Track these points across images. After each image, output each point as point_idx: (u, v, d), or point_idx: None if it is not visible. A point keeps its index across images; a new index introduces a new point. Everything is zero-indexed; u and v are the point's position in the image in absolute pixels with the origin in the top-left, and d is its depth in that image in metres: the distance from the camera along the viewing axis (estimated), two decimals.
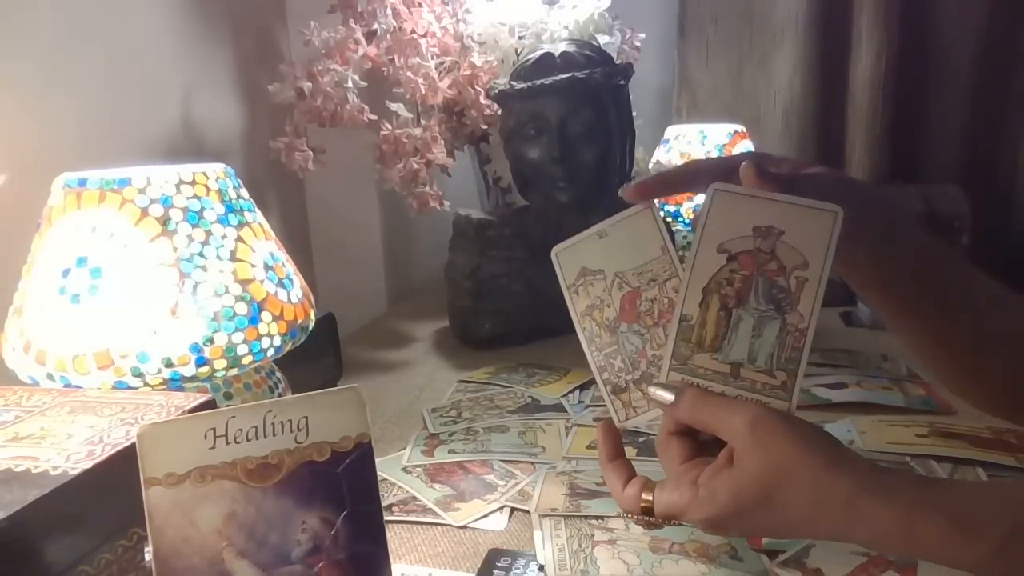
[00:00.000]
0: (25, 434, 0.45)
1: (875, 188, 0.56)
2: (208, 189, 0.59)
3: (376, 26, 1.02)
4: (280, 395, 0.66)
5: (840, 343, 1.00)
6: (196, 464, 0.40)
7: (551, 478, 0.63)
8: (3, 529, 0.35)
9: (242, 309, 0.58)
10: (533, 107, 0.96)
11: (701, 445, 0.48)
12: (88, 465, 0.40)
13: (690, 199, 1.26)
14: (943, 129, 1.50)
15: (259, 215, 0.65)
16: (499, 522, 0.58)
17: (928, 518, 0.39)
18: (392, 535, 0.56)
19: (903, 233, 0.51)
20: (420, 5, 1.03)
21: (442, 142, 1.03)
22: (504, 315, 1.02)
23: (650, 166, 1.38)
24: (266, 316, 0.59)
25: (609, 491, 0.59)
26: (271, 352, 0.60)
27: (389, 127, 1.01)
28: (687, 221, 1.28)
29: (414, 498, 0.62)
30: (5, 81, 0.73)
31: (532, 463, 0.67)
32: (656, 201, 0.52)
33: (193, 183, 0.59)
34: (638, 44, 1.27)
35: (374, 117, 1.01)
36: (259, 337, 0.59)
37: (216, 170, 0.61)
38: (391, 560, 0.44)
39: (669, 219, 1.31)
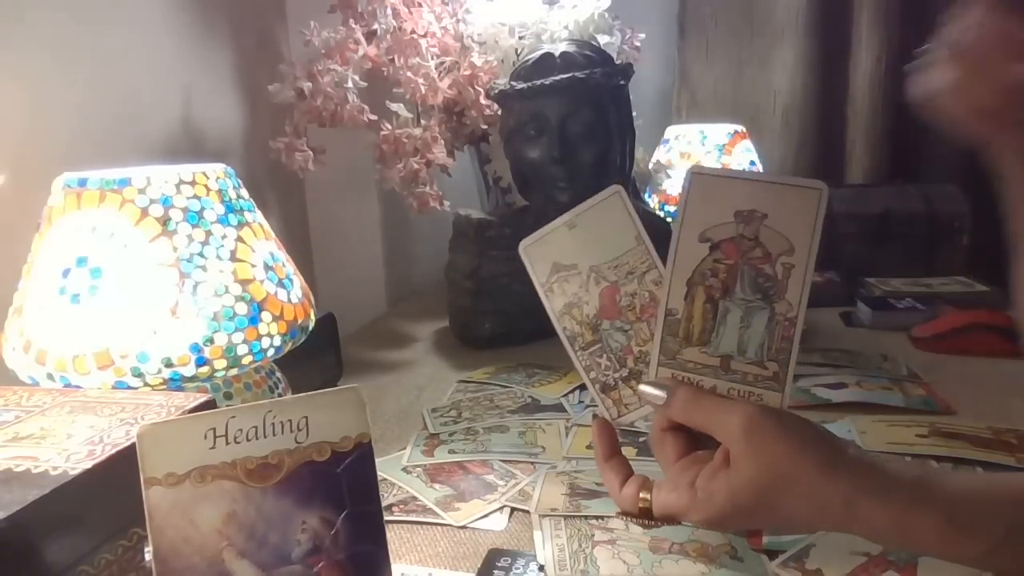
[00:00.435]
0: (25, 434, 0.45)
1: None
2: (208, 189, 0.59)
3: (376, 26, 1.01)
4: (280, 395, 0.66)
5: (840, 343, 1.00)
6: (196, 464, 0.40)
7: (551, 478, 0.63)
8: (3, 529, 0.35)
9: (242, 309, 0.58)
10: (533, 107, 0.96)
11: (696, 438, 0.47)
12: (88, 465, 0.40)
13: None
14: (943, 129, 1.50)
15: (259, 215, 0.65)
16: (499, 522, 0.58)
17: (924, 518, 0.39)
18: (392, 535, 0.56)
19: None
20: (420, 5, 1.03)
21: (442, 142, 1.03)
22: (504, 315, 1.02)
23: (650, 166, 1.38)
24: (266, 316, 0.59)
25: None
26: (271, 352, 0.60)
27: (389, 127, 1.01)
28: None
29: (414, 498, 0.62)
30: (5, 81, 0.73)
31: (532, 463, 0.67)
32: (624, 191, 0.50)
33: (193, 183, 0.59)
34: (638, 44, 1.27)
35: (374, 117, 1.01)
36: (259, 337, 0.59)
37: (216, 170, 0.61)
38: (391, 560, 0.44)
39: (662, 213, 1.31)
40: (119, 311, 0.55)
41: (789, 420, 0.43)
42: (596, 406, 0.54)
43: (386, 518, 0.50)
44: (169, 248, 0.56)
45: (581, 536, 0.54)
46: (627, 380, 0.50)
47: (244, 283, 0.59)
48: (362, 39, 0.99)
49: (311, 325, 0.66)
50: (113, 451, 0.42)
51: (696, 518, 0.44)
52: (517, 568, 0.52)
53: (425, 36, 1.02)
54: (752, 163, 1.37)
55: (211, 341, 0.56)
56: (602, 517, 0.57)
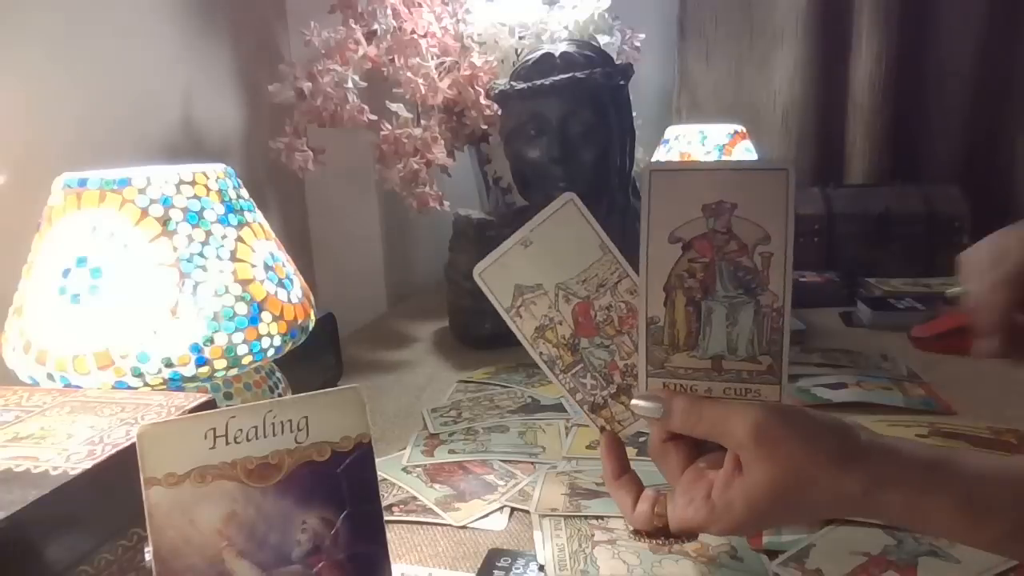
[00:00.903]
0: (25, 434, 0.45)
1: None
2: (208, 189, 0.59)
3: (376, 26, 1.01)
4: (280, 395, 0.66)
5: (840, 343, 1.00)
6: (196, 464, 0.40)
7: (551, 478, 0.63)
8: (3, 529, 0.35)
9: (242, 309, 0.58)
10: (533, 107, 0.96)
11: (698, 444, 0.46)
12: (88, 465, 0.40)
13: None
14: (943, 129, 1.50)
15: (259, 215, 0.65)
16: (499, 522, 0.58)
17: (939, 501, 0.39)
18: (392, 535, 0.56)
19: None
20: (420, 5, 1.03)
21: (442, 142, 1.03)
22: None
23: (641, 169, 1.37)
24: (266, 316, 0.59)
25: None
26: (271, 352, 0.60)
27: (389, 127, 1.01)
28: None
29: (414, 498, 0.61)
30: (5, 81, 0.73)
31: (532, 463, 0.67)
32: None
33: (193, 183, 0.59)
34: (638, 44, 1.27)
35: (374, 117, 1.01)
36: (259, 337, 0.59)
37: (216, 170, 0.61)
38: (391, 560, 0.44)
39: None
40: (119, 311, 0.55)
41: (795, 416, 0.42)
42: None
43: (386, 518, 0.50)
44: (169, 248, 0.56)
45: (581, 536, 0.54)
46: (616, 396, 0.48)
47: (244, 283, 0.59)
48: (362, 39, 0.99)
49: (311, 325, 0.66)
50: (113, 451, 0.42)
51: (717, 529, 0.43)
52: (517, 568, 0.52)
53: (425, 36, 1.02)
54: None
55: (211, 341, 0.56)
56: (602, 517, 0.57)
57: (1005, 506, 0.39)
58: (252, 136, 1.13)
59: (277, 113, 1.03)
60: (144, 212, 0.56)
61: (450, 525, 0.58)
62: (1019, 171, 1.47)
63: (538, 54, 0.98)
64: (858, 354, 0.95)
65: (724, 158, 1.33)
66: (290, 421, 0.42)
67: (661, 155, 1.38)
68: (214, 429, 0.41)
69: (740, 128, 1.37)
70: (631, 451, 0.67)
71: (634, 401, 0.46)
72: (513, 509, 0.60)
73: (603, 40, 1.12)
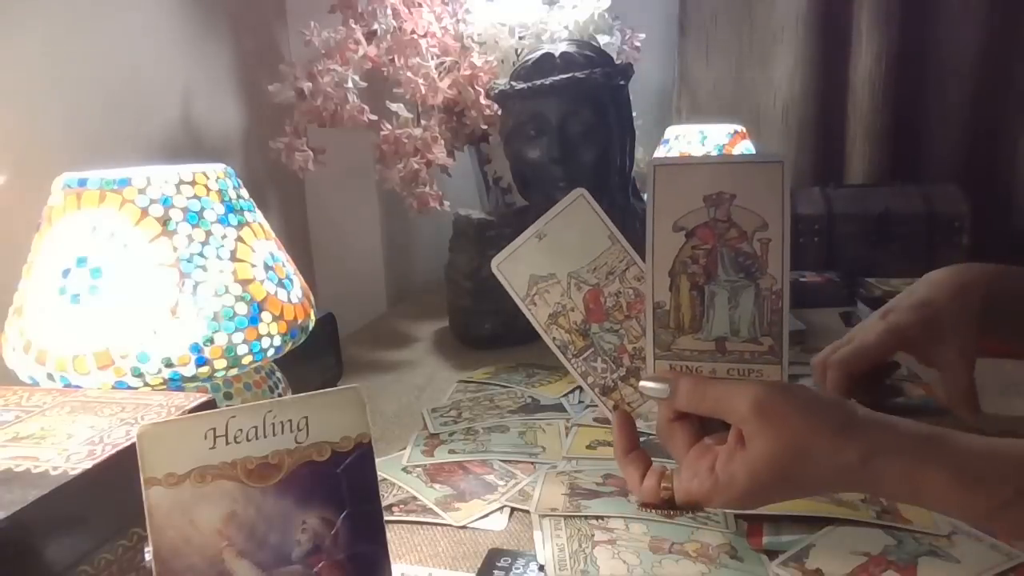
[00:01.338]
0: (25, 434, 0.45)
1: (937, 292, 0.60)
2: (208, 189, 0.59)
3: (376, 26, 1.02)
4: (280, 395, 0.66)
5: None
6: (196, 464, 0.40)
7: (551, 478, 0.63)
8: (3, 529, 0.35)
9: (242, 309, 0.58)
10: (533, 107, 0.96)
11: (704, 423, 0.48)
12: (88, 465, 0.40)
13: None
14: (943, 129, 1.50)
15: (259, 215, 0.65)
16: (499, 522, 0.58)
17: (935, 472, 0.40)
18: (392, 535, 0.56)
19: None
20: (420, 5, 1.03)
21: (442, 142, 1.03)
22: (504, 315, 1.02)
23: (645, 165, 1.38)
24: (266, 316, 0.59)
25: (609, 491, 0.60)
26: (271, 352, 0.60)
27: (389, 127, 1.01)
28: None
29: (414, 498, 0.61)
30: (5, 81, 0.73)
31: (532, 463, 0.67)
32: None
33: (193, 183, 0.59)
34: (638, 44, 1.27)
35: (374, 117, 1.01)
36: (259, 337, 0.59)
37: (216, 170, 0.61)
38: (391, 560, 0.44)
39: None
40: (119, 311, 0.55)
41: (796, 391, 0.44)
42: (597, 405, 0.54)
43: (386, 518, 0.50)
44: (169, 248, 0.56)
45: (581, 536, 0.54)
46: (626, 379, 0.51)
47: (244, 283, 0.59)
48: (362, 39, 1.00)
49: (311, 325, 0.66)
50: (113, 451, 0.42)
51: (720, 501, 0.45)
52: (517, 568, 0.52)
53: (425, 36, 1.02)
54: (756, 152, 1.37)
55: (211, 341, 0.56)
56: (602, 517, 0.57)
57: (996, 478, 0.40)
58: (252, 136, 1.13)
59: (277, 113, 1.03)
60: (144, 212, 0.56)
61: (450, 525, 0.58)
62: (1019, 171, 1.47)
63: (538, 54, 0.98)
64: None
65: None
66: (290, 421, 0.42)
67: (661, 155, 1.38)
68: (214, 429, 0.41)
69: (740, 128, 1.37)
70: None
71: (642, 382, 0.48)
72: (513, 509, 0.60)
73: (603, 40, 1.12)
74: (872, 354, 0.60)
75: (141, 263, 0.56)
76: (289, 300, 0.62)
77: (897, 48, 1.45)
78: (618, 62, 1.05)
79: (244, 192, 0.64)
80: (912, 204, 1.34)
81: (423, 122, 1.03)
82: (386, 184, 1.04)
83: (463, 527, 0.57)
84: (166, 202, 0.57)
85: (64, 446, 0.43)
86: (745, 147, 1.36)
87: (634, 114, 1.05)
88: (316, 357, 0.86)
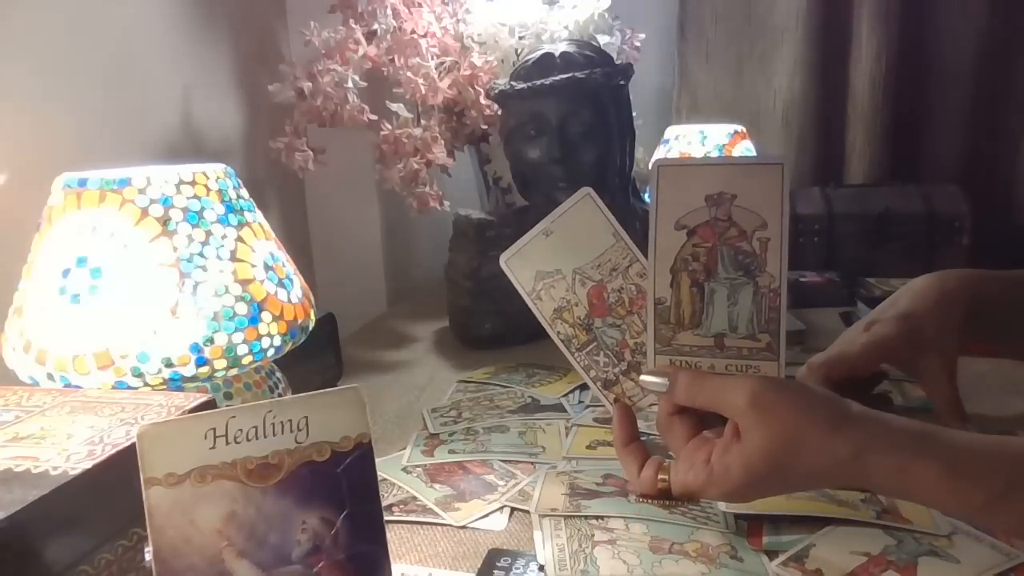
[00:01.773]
0: (25, 434, 0.45)
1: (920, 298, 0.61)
2: (208, 189, 0.59)
3: (376, 26, 1.02)
4: (280, 395, 0.66)
5: None
6: (196, 464, 0.40)
7: (551, 478, 0.63)
8: (3, 529, 0.35)
9: (242, 309, 0.58)
10: (533, 107, 0.96)
11: (702, 418, 0.49)
12: (88, 465, 0.40)
13: None
14: (943, 129, 1.50)
15: (259, 215, 0.65)
16: (499, 522, 0.58)
17: (926, 467, 0.41)
18: (392, 535, 0.56)
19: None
20: (420, 5, 1.03)
21: (442, 142, 1.03)
22: (504, 315, 1.02)
23: (650, 166, 1.38)
24: (266, 316, 0.59)
25: (609, 491, 0.60)
26: (271, 352, 0.60)
27: (389, 127, 1.01)
28: None
29: (414, 498, 0.62)
30: (5, 81, 0.73)
31: (532, 463, 0.67)
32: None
33: (193, 183, 0.59)
34: (638, 44, 1.27)
35: (374, 117, 1.01)
36: (259, 337, 0.59)
37: (216, 170, 0.61)
38: (391, 560, 0.44)
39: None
40: (119, 311, 0.55)
41: (791, 386, 0.45)
42: (596, 406, 0.54)
43: (386, 518, 0.50)
44: (169, 248, 0.56)
45: (581, 536, 0.54)
46: (627, 373, 0.52)
47: (244, 283, 0.59)
48: (362, 39, 1.00)
49: (311, 325, 0.66)
50: (113, 451, 0.42)
51: (715, 493, 0.46)
52: (517, 568, 0.52)
53: (425, 36, 1.02)
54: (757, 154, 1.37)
55: (211, 341, 0.56)
56: (602, 517, 0.57)
57: (988, 472, 0.40)
58: (252, 136, 1.13)
59: (277, 113, 1.03)
60: (144, 212, 0.56)
61: (450, 525, 0.58)
62: (1019, 171, 1.47)
63: (538, 54, 0.98)
64: None
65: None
66: (290, 421, 0.42)
67: (661, 155, 1.38)
68: (214, 429, 0.41)
69: (740, 128, 1.36)
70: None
71: (642, 376, 0.49)
72: (513, 509, 0.60)
73: (603, 40, 1.12)
74: (853, 363, 0.60)
75: (141, 263, 0.56)
76: (289, 300, 0.62)
77: (897, 48, 1.44)
78: (618, 62, 1.05)
79: (244, 192, 0.64)
80: (912, 204, 1.34)
81: (423, 122, 1.03)
82: (386, 184, 1.04)
83: (463, 527, 0.57)
84: (166, 202, 0.57)
85: (64, 446, 0.43)
86: (745, 147, 1.36)
87: (634, 114, 1.05)
88: (316, 357, 0.86)
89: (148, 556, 0.43)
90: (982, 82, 1.47)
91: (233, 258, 0.59)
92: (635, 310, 0.51)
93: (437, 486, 0.63)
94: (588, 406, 0.80)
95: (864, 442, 0.42)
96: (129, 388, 0.55)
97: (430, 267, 1.34)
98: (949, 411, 0.60)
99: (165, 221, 0.57)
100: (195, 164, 0.61)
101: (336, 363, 0.93)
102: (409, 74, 0.99)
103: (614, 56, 1.10)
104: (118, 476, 0.41)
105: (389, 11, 1.01)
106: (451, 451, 0.70)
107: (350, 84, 0.98)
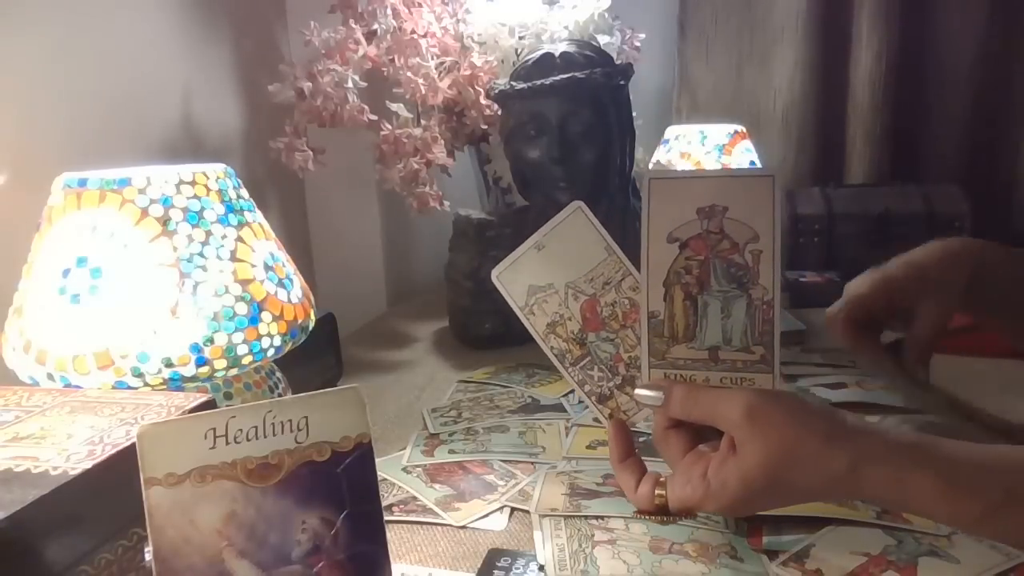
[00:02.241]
0: (25, 434, 0.45)
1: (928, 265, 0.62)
2: (208, 189, 0.59)
3: (376, 26, 1.02)
4: (280, 395, 0.66)
5: (840, 343, 1.00)
6: (196, 464, 0.40)
7: (551, 478, 0.63)
8: (3, 529, 0.35)
9: (242, 309, 0.58)
10: (533, 107, 0.96)
11: (698, 432, 0.49)
12: (88, 465, 0.40)
13: None
14: (943, 129, 1.50)
15: (259, 215, 0.65)
16: (499, 522, 0.58)
17: (923, 478, 0.41)
18: (392, 535, 0.56)
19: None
20: (420, 5, 1.03)
21: (442, 142, 1.03)
22: (504, 315, 1.01)
23: (650, 166, 1.38)
24: (266, 316, 0.59)
25: (609, 491, 0.60)
26: (271, 352, 0.60)
27: (389, 127, 1.01)
28: None
29: (414, 498, 0.62)
30: (5, 81, 0.73)
31: (532, 463, 0.67)
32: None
33: (193, 183, 0.59)
34: (638, 44, 1.27)
35: (374, 117, 1.01)
36: (259, 337, 0.59)
37: (216, 170, 0.61)
38: (391, 560, 0.44)
39: None
40: (119, 311, 0.55)
41: (787, 398, 0.44)
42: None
43: (386, 518, 0.50)
44: (169, 248, 0.56)
45: (581, 536, 0.54)
46: (621, 387, 0.51)
47: (244, 283, 0.59)
48: (362, 39, 1.00)
49: (311, 325, 0.66)
50: (113, 451, 0.42)
51: (712, 507, 0.46)
52: (517, 568, 0.52)
53: (425, 36, 1.02)
54: (752, 163, 1.37)
55: (211, 341, 0.56)
56: (602, 517, 0.57)
57: (984, 483, 0.40)
58: (252, 136, 1.13)
59: (277, 113, 1.03)
60: (144, 212, 0.56)
61: (450, 525, 0.58)
62: (1019, 171, 1.47)
63: (538, 54, 0.98)
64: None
65: (724, 158, 1.34)
66: (290, 421, 0.42)
67: (661, 155, 1.38)
68: (214, 429, 0.41)
69: (740, 128, 1.37)
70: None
71: (637, 390, 0.49)
72: (513, 509, 0.60)
73: (603, 40, 1.12)
74: (868, 302, 0.62)
75: (141, 263, 0.56)
76: (289, 300, 0.62)
77: (897, 48, 1.45)
78: (618, 62, 1.05)
79: (244, 192, 0.64)
80: (912, 204, 1.34)
81: (423, 122, 1.03)
82: (386, 184, 1.04)
83: (463, 527, 0.57)
84: (166, 202, 0.57)
85: (64, 446, 0.43)
86: (745, 147, 1.36)
87: (634, 114, 1.05)
88: (316, 357, 0.86)
89: (148, 556, 0.43)
90: (982, 82, 1.47)
91: (233, 258, 0.59)
92: (629, 324, 0.51)
93: (437, 486, 0.63)
94: (588, 406, 0.80)
95: (860, 453, 0.42)
96: (129, 388, 0.55)
97: (430, 267, 1.34)
98: (919, 351, 0.61)
99: (165, 221, 0.57)
100: (195, 164, 0.61)
101: (336, 363, 0.93)
102: (409, 74, 0.99)
103: (614, 56, 1.09)
104: (118, 476, 0.41)
105: (389, 11, 1.01)
106: (451, 451, 0.70)
107: (350, 84, 0.98)
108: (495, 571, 0.51)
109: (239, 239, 0.60)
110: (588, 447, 0.70)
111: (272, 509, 0.41)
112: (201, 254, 0.57)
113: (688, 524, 0.54)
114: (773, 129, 1.56)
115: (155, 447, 0.39)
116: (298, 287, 0.65)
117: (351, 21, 1.01)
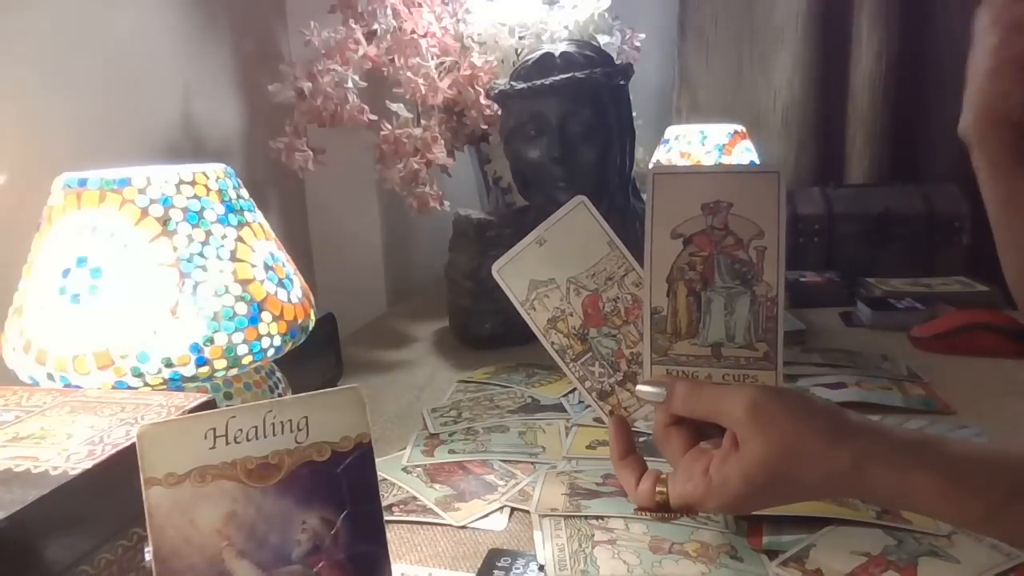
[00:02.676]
0: (25, 434, 0.45)
1: None
2: (208, 189, 0.59)
3: (376, 26, 1.02)
4: (280, 395, 0.66)
5: (840, 343, 1.00)
6: (196, 464, 0.40)
7: (551, 478, 0.63)
8: (3, 529, 0.35)
9: (242, 309, 0.58)
10: (533, 107, 0.96)
11: (700, 429, 0.48)
12: (88, 465, 0.40)
13: None
14: (943, 129, 1.50)
15: (259, 215, 0.65)
16: (499, 522, 0.58)
17: (926, 477, 0.41)
18: (392, 535, 0.56)
19: None
20: (420, 5, 1.03)
21: (442, 142, 1.03)
22: (504, 315, 1.02)
23: (650, 166, 1.38)
24: (266, 316, 0.59)
25: (609, 491, 0.60)
26: (271, 352, 0.60)
27: (389, 127, 1.01)
28: None
29: (414, 498, 0.62)
30: (5, 81, 0.73)
31: (532, 463, 0.67)
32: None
33: (193, 183, 0.59)
34: (638, 44, 1.27)
35: (374, 117, 1.01)
36: (259, 337, 0.59)
37: (216, 170, 0.61)
38: (391, 560, 0.44)
39: None
40: (119, 311, 0.55)
41: (790, 395, 0.44)
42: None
43: (386, 518, 0.50)
44: (169, 248, 0.56)
45: (581, 536, 0.54)
46: (623, 384, 0.51)
47: (244, 283, 0.59)
48: (362, 39, 1.00)
49: (311, 325, 0.66)
50: (113, 451, 0.42)
51: (713, 504, 0.45)
52: (517, 568, 0.52)
53: (425, 36, 1.02)
54: (752, 163, 1.37)
55: (211, 341, 0.56)
56: (602, 517, 0.57)
57: (987, 482, 0.40)
58: (252, 136, 1.13)
59: (277, 113, 1.03)
60: (144, 212, 0.56)
61: (450, 525, 0.58)
62: None
63: (538, 54, 0.98)
64: (858, 354, 0.95)
65: (724, 158, 1.34)
66: (290, 421, 0.42)
67: (661, 155, 1.38)
68: (214, 429, 0.41)
69: (740, 128, 1.37)
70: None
71: (639, 387, 0.48)
72: (513, 509, 0.60)
73: (603, 40, 1.12)
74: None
75: (141, 263, 0.56)
76: (289, 300, 0.62)
77: (897, 48, 1.45)
78: (618, 62, 1.05)
79: (244, 192, 0.64)
80: (912, 204, 1.34)
81: (423, 122, 1.03)
82: (386, 184, 1.04)
83: (463, 527, 0.57)
84: (166, 202, 0.57)
85: (64, 446, 0.43)
86: (745, 147, 1.36)
87: (634, 114, 1.05)
88: (316, 357, 0.86)
89: (148, 556, 0.43)
90: None
91: (233, 258, 0.59)
92: (631, 320, 0.50)
93: (437, 486, 0.63)
94: (588, 406, 0.80)
95: (863, 452, 0.41)
96: (129, 388, 0.55)
97: (430, 267, 1.34)
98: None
99: (165, 221, 0.57)
100: (195, 164, 0.61)
101: (336, 363, 0.93)
102: (409, 74, 0.99)
103: (614, 56, 1.09)
104: (118, 476, 0.41)
105: (389, 11, 1.01)
106: (451, 451, 0.70)
107: (350, 84, 0.98)
108: (495, 571, 0.51)
109: (239, 239, 0.60)
110: (588, 447, 0.70)
111: (272, 509, 0.41)
112: (201, 254, 0.57)
113: (688, 524, 0.54)
114: (773, 129, 1.56)
115: (155, 447, 0.39)
116: (298, 287, 0.65)
117: (351, 21, 1.01)
